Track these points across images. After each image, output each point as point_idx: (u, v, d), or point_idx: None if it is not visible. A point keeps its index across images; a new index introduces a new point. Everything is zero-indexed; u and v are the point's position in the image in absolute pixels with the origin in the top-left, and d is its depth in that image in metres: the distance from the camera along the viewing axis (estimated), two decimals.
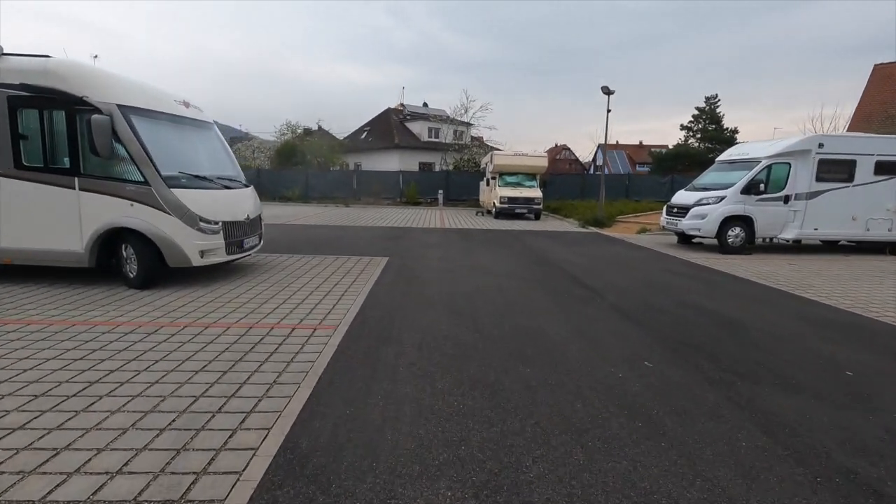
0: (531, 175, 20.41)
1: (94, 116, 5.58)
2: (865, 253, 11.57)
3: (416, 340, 4.50)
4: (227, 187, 7.08)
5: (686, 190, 12.48)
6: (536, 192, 19.50)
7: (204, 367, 3.75)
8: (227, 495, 2.24)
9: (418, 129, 36.47)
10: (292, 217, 17.92)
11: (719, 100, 41.51)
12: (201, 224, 6.24)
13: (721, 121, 41.26)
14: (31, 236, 6.00)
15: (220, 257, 6.63)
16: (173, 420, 2.92)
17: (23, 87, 5.73)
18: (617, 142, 58.51)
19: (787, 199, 10.92)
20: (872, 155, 10.90)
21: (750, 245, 11.16)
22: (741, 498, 2.34)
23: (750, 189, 10.81)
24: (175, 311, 5.21)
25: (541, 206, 19.48)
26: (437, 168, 33.13)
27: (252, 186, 7.88)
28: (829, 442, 2.90)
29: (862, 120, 25.00)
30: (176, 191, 6.05)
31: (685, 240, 12.33)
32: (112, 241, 6.09)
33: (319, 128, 40.17)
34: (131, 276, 6.11)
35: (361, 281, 7.01)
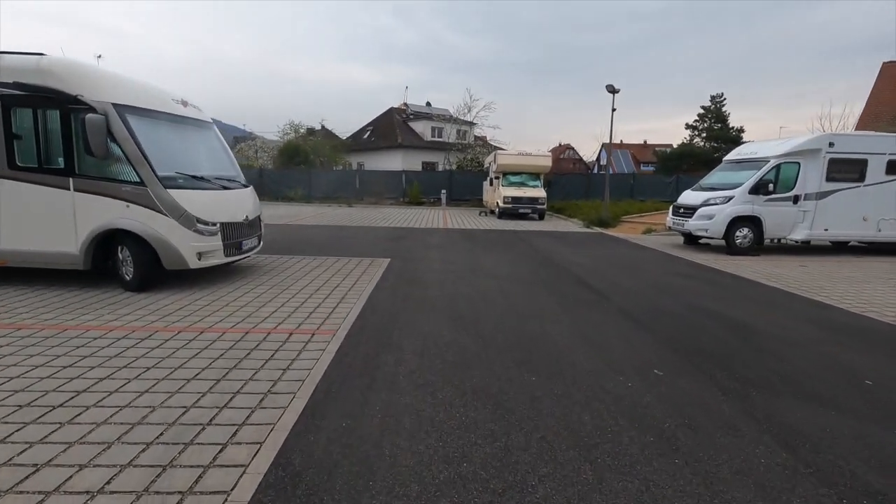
0: (535, 175, 20.22)
1: (89, 115, 5.46)
2: (877, 254, 11.34)
3: (417, 347, 4.35)
4: (225, 188, 6.94)
5: (693, 190, 12.27)
6: (540, 192, 19.31)
7: (196, 374, 3.61)
8: None
9: (421, 128, 36.32)
10: (294, 217, 17.81)
11: (725, 98, 41.17)
12: (198, 225, 6.10)
13: (727, 120, 40.92)
14: (25, 238, 5.88)
15: (219, 259, 6.50)
16: (161, 433, 2.78)
17: (16, 85, 5.61)
18: (621, 141, 58.17)
19: (796, 200, 10.71)
20: (884, 154, 10.67)
21: (758, 246, 10.96)
22: None
23: (758, 189, 10.59)
24: (170, 315, 5.08)
25: (545, 207, 19.28)
26: (441, 168, 32.98)
27: (251, 187, 7.74)
28: (853, 458, 2.73)
29: (870, 118, 24.68)
30: (172, 191, 5.92)
31: (691, 240, 12.13)
32: (108, 242, 5.97)
33: (322, 127, 40.11)
34: (127, 278, 5.99)
35: (362, 283, 6.87)
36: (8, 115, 5.71)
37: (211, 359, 3.93)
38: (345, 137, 39.22)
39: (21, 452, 2.56)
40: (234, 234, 6.71)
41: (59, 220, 5.81)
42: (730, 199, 10.73)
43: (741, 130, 40.05)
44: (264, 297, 5.94)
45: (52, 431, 2.78)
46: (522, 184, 19.59)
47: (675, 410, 3.26)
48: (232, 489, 2.30)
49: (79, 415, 2.97)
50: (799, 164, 10.64)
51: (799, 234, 10.88)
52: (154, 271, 6.02)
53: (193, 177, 6.41)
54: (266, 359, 3.97)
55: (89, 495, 2.23)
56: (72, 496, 2.22)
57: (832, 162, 10.58)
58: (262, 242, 7.81)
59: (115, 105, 5.73)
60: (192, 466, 2.47)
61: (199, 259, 6.19)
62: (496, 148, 29.20)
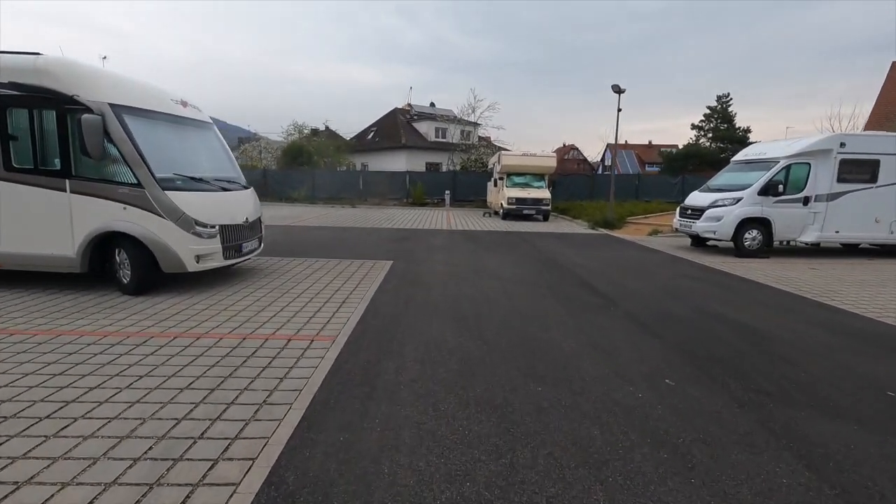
0: (539, 175, 20.05)
1: (85, 116, 5.36)
2: (889, 256, 11.11)
3: (418, 354, 4.21)
4: (225, 189, 6.83)
5: (700, 191, 12.06)
6: (545, 193, 19.14)
7: (190, 384, 3.49)
8: None
9: (425, 129, 36.19)
10: (297, 218, 17.72)
11: (731, 98, 40.86)
12: (197, 228, 5.99)
13: (733, 120, 40.59)
14: (21, 240, 5.79)
15: (218, 262, 6.38)
16: (150, 448, 2.65)
17: (12, 85, 5.52)
18: (626, 141, 57.89)
19: (806, 201, 10.49)
20: None
21: (767, 248, 10.75)
22: None
23: (768, 190, 10.39)
24: (167, 320, 4.97)
25: (549, 207, 19.11)
26: (445, 168, 32.82)
27: (252, 188, 7.63)
28: (880, 478, 2.57)
29: (880, 118, 24.36)
30: (170, 193, 5.81)
31: (699, 242, 11.92)
32: (105, 245, 5.87)
33: (326, 128, 40.04)
34: (125, 281, 5.89)
35: (364, 286, 6.74)
36: (4, 116, 5.62)
37: (206, 366, 3.81)
38: (348, 138, 39.12)
39: (1, 469, 2.44)
40: (234, 236, 6.60)
41: (55, 223, 5.71)
42: (739, 200, 10.52)
43: (748, 131, 39.75)
44: (264, 301, 5.82)
45: (37, 445, 2.66)
46: (527, 185, 19.42)
47: (689, 423, 3.10)
48: None
49: (65, 427, 2.85)
50: (809, 164, 10.43)
51: (809, 237, 10.66)
52: (152, 274, 5.91)
53: (192, 178, 6.29)
54: (263, 366, 3.84)
55: None
56: None
57: (843, 163, 10.36)
58: (262, 244, 7.70)
59: (112, 105, 5.63)
60: (179, 485, 2.34)
61: (198, 262, 6.08)
62: (500, 148, 29.01)
